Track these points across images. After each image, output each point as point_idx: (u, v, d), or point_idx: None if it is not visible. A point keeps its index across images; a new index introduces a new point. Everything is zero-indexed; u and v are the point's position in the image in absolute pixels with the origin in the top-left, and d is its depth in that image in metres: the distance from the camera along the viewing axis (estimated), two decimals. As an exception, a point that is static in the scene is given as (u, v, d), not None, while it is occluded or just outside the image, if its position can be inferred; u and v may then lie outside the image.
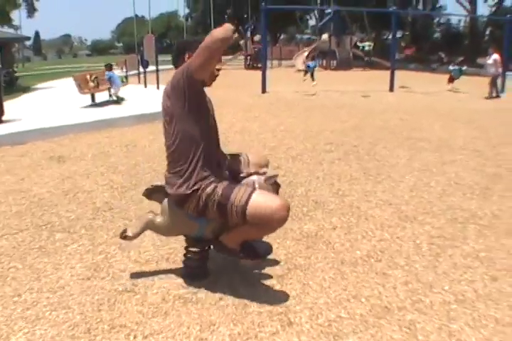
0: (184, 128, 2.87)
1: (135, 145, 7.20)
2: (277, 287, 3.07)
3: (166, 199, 3.07)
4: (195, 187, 2.84)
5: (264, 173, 3.11)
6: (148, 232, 3.29)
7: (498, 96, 14.20)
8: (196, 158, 2.86)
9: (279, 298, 2.94)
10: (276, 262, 3.37)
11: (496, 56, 14.47)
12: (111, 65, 12.33)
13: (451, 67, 16.91)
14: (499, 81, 14.82)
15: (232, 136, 7.61)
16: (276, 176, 3.13)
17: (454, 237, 3.82)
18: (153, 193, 3.18)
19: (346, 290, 3.03)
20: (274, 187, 3.10)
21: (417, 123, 9.16)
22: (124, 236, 3.17)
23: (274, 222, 2.76)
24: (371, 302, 2.89)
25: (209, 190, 2.83)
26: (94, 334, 2.60)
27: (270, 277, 3.18)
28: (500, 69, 14.64)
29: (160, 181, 3.17)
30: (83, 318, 2.74)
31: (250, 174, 3.12)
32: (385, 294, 2.98)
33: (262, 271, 3.27)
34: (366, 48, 31.02)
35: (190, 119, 2.87)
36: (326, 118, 9.66)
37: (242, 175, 3.13)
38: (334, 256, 3.46)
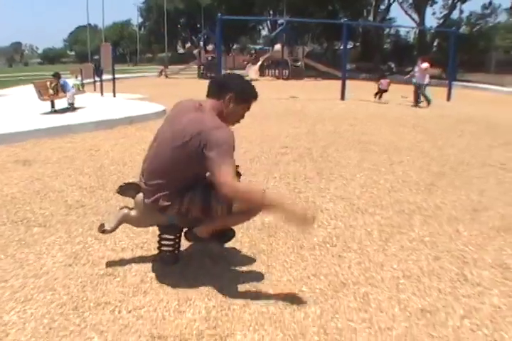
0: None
1: (98, 150, 7.41)
2: (244, 268, 3.40)
3: (138, 195, 3.36)
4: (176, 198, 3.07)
5: None
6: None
7: (417, 104, 14.49)
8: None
9: (247, 276, 3.28)
10: (241, 248, 3.72)
11: (425, 65, 14.40)
12: (58, 73, 12.41)
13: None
14: (428, 89, 14.74)
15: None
16: (237, 167, 3.48)
17: (401, 225, 4.22)
18: (126, 190, 3.45)
19: (306, 270, 3.39)
20: (238, 176, 3.46)
21: (367, 129, 9.64)
22: (102, 230, 3.44)
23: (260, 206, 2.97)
24: (329, 278, 3.26)
25: (190, 195, 3.07)
26: (82, 310, 2.86)
27: (237, 260, 3.52)
28: (427, 79, 14.60)
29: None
30: (70, 298, 2.99)
31: None
32: (341, 272, 3.36)
33: (230, 255, 3.60)
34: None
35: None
36: (280, 124, 10.05)
37: None
38: (294, 243, 3.82)
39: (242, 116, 3.27)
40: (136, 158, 6.56)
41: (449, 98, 17.13)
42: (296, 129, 9.37)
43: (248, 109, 3.24)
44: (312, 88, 22.53)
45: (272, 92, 16.37)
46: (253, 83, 3.28)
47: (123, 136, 8.55)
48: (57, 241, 3.85)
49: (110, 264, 3.47)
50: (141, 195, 3.30)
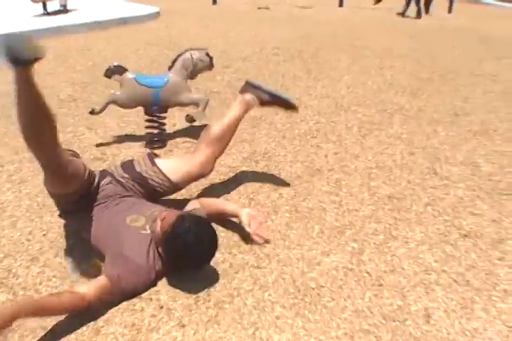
0: None
1: (90, 49, 7.39)
2: (229, 151, 3.59)
3: (124, 74, 3.55)
4: None
5: (198, 49, 3.72)
6: (111, 114, 3.73)
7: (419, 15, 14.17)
8: None
9: (223, 162, 3.50)
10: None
11: None
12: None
13: None
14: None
15: (186, 40, 7.89)
16: (206, 49, 3.70)
17: (381, 123, 4.38)
18: (112, 72, 3.61)
19: (286, 156, 3.60)
20: (210, 58, 3.67)
21: (362, 34, 9.54)
22: (91, 110, 3.65)
23: None
24: (305, 165, 3.48)
25: None
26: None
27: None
28: None
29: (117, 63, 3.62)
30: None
31: (186, 51, 3.67)
32: (317, 160, 3.57)
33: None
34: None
35: None
36: (275, 28, 9.92)
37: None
38: (276, 134, 4.01)
39: None
40: (128, 56, 6.60)
41: (450, 10, 16.77)
42: (291, 33, 9.30)
43: None
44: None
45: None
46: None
47: (115, 37, 8.51)
48: (50, 131, 4.01)
49: (100, 150, 3.66)
50: (127, 74, 3.48)
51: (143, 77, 3.63)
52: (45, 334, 2.07)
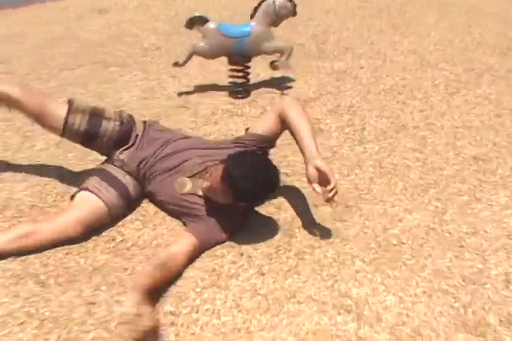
0: None
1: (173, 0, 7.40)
2: (307, 108, 3.54)
3: (206, 24, 3.50)
4: None
5: None
6: (194, 62, 3.75)
7: None
8: None
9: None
10: (308, 89, 3.87)
11: None
12: None
13: None
14: None
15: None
16: None
17: (468, 82, 4.20)
18: (193, 23, 3.57)
19: (371, 111, 3.56)
20: (293, 5, 3.55)
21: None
22: (175, 63, 3.65)
23: None
24: (390, 120, 3.42)
25: None
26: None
27: (301, 101, 3.68)
28: None
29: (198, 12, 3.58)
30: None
31: None
32: (403, 117, 3.50)
33: (293, 95, 3.78)
34: None
35: None
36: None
37: None
38: (361, 88, 3.93)
39: None
40: (211, 6, 6.55)
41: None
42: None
43: None
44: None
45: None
46: None
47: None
48: (134, 79, 4.08)
49: (183, 98, 3.70)
50: (208, 24, 3.45)
51: (225, 26, 3.55)
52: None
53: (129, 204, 2.50)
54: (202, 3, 6.90)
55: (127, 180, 2.49)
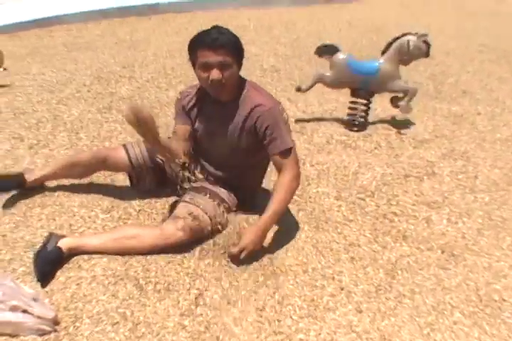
0: None
1: (294, 24, 7.51)
2: (421, 150, 3.58)
3: (336, 54, 3.57)
4: None
5: (416, 33, 3.53)
6: (313, 89, 3.82)
7: None
8: None
9: (422, 155, 3.48)
10: (424, 130, 3.87)
11: None
12: None
13: None
14: None
15: (390, 24, 7.73)
16: (426, 35, 3.53)
17: None
18: (324, 51, 3.66)
19: (486, 160, 3.51)
20: (427, 46, 3.53)
21: None
22: (298, 88, 3.75)
23: None
24: (503, 172, 3.35)
25: None
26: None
27: (416, 141, 3.70)
28: None
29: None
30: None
31: (403, 35, 3.55)
32: (516, 168, 3.43)
33: (408, 135, 3.78)
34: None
35: None
36: (481, 22, 9.43)
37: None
38: (476, 135, 3.88)
39: (209, 80, 2.32)
40: (331, 35, 6.62)
41: None
42: (496, 30, 8.78)
43: (205, 68, 2.30)
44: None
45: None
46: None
47: (317, 14, 8.55)
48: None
49: (299, 124, 3.78)
50: (338, 55, 3.52)
51: (354, 62, 3.59)
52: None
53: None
54: (323, 31, 6.95)
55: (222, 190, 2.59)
